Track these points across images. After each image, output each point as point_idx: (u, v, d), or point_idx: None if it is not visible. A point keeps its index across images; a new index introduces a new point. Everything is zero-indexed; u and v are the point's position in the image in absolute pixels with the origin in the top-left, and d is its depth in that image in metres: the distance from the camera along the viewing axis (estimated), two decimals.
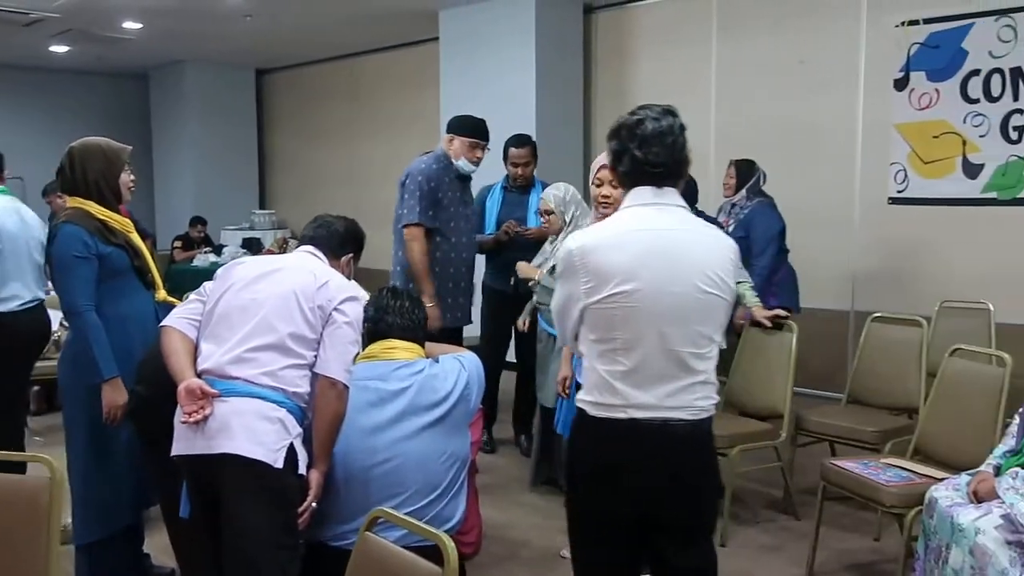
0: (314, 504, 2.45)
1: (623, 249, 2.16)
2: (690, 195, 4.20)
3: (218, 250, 9.34)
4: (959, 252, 5.45)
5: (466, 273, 4.55)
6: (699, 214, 4.20)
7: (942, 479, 3.00)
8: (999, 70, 5.21)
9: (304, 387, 2.44)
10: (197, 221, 9.70)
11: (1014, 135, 5.19)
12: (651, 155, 2.18)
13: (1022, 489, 2.54)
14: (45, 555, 2.16)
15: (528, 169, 4.91)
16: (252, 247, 9.37)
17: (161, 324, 2.56)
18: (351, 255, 2.82)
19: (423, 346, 2.89)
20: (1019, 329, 4.94)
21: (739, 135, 6.22)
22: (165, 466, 2.51)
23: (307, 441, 2.45)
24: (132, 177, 3.16)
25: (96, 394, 2.93)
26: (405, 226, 4.31)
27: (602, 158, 3.77)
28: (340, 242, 2.78)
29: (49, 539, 2.16)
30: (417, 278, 4.25)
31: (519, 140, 4.94)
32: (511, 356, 5.13)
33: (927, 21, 5.49)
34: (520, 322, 4.48)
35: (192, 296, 2.61)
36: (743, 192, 4.93)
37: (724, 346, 2.41)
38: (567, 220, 4.01)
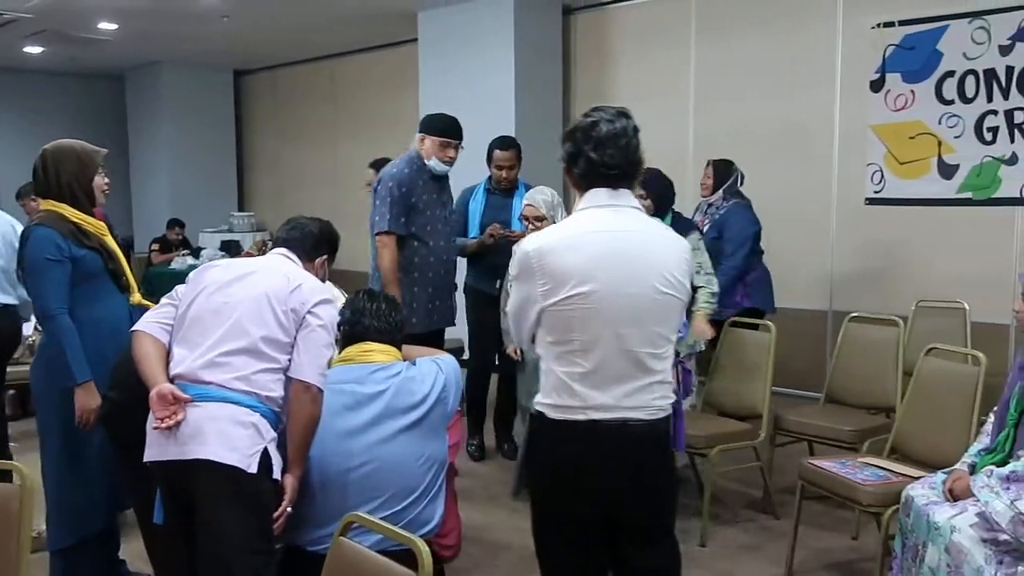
0: (289, 509, 2.43)
1: (579, 251, 2.17)
2: (667, 198, 4.21)
3: (196, 253, 9.25)
4: (935, 252, 5.49)
5: (445, 276, 4.50)
6: (675, 216, 4.22)
7: (918, 478, 3.02)
8: (973, 71, 5.26)
9: (278, 391, 2.42)
10: (175, 223, 9.58)
11: (988, 136, 5.24)
12: (606, 157, 2.20)
13: (996, 487, 2.55)
14: (15, 563, 2.14)
15: (513, 172, 4.85)
16: (231, 250, 9.28)
17: (132, 329, 2.53)
18: (325, 257, 2.80)
19: (400, 349, 2.87)
20: (994, 328, 4.99)
21: (717, 136, 6.23)
22: (138, 471, 2.48)
23: (282, 446, 2.43)
24: (107, 180, 3.14)
25: (69, 398, 2.90)
26: (377, 234, 4.26)
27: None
28: (314, 244, 2.76)
29: (20, 547, 2.14)
30: (384, 285, 4.18)
31: (504, 143, 4.88)
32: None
33: (902, 23, 5.53)
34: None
35: (164, 300, 2.58)
36: (720, 192, 4.92)
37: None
38: (556, 223, 4.00)
